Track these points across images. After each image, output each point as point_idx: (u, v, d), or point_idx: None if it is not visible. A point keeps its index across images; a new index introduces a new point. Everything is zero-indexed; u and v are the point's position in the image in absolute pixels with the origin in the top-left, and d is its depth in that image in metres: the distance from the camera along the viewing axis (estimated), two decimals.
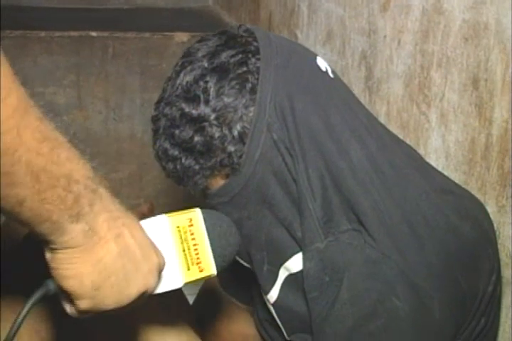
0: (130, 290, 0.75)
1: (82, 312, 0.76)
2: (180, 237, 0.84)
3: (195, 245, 0.85)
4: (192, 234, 0.85)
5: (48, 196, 0.65)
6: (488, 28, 0.98)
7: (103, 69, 2.26)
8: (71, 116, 2.28)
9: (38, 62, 2.21)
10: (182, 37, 2.27)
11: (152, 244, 0.79)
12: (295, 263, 0.96)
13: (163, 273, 0.82)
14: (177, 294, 1.25)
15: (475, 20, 1.01)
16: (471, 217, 0.97)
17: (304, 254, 0.93)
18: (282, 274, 0.99)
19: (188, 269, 0.85)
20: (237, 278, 1.22)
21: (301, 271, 0.95)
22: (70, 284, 0.72)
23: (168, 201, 2.35)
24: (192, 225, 0.86)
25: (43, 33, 2.22)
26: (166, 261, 0.81)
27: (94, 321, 0.84)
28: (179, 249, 0.84)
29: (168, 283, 0.84)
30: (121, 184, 2.33)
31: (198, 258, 0.85)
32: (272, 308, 1.03)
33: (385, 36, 1.30)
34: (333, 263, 0.90)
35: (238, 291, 1.31)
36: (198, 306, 1.36)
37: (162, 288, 0.84)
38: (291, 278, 0.98)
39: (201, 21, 2.64)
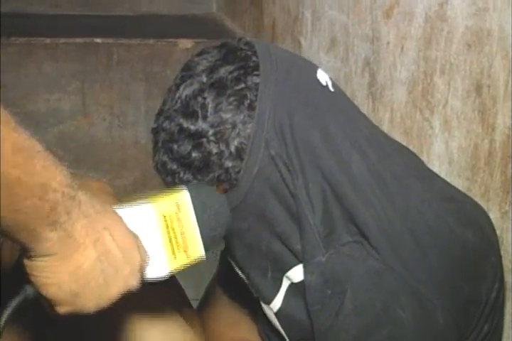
0: (111, 293, 0.76)
1: (63, 315, 0.76)
2: (167, 226, 0.83)
3: (182, 232, 0.85)
4: (179, 220, 0.84)
5: (23, 206, 0.65)
6: (491, 34, 0.98)
7: (107, 76, 2.27)
8: (76, 122, 2.28)
9: (43, 69, 2.22)
10: (186, 43, 2.28)
11: (135, 242, 0.78)
12: (296, 274, 0.96)
13: (150, 261, 0.81)
14: (182, 300, 1.25)
15: (478, 27, 1.01)
16: (474, 224, 0.97)
17: (305, 268, 0.93)
18: (285, 282, 0.99)
19: (175, 257, 0.84)
20: (240, 285, 1.22)
21: (302, 282, 0.95)
22: (49, 291, 0.72)
23: None
24: (179, 211, 0.85)
25: (48, 40, 2.23)
26: (151, 250, 0.81)
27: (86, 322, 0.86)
28: (165, 238, 0.83)
29: (154, 272, 0.83)
30: (126, 190, 2.33)
31: (185, 245, 0.85)
32: (274, 317, 1.03)
33: (388, 43, 1.30)
34: (335, 276, 0.90)
35: (241, 297, 1.31)
36: (201, 312, 1.36)
37: (147, 277, 0.83)
38: (294, 287, 0.98)
39: (205, 28, 2.65)
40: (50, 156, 0.70)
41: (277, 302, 1.00)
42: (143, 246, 0.80)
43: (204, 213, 0.87)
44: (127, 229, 0.79)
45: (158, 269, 0.83)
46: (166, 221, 0.83)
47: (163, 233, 0.83)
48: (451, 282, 0.91)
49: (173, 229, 0.84)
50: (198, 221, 0.86)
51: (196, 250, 0.86)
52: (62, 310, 0.74)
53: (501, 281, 0.98)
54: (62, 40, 2.24)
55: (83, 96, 2.27)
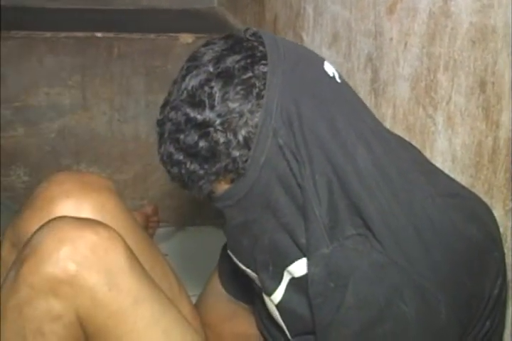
0: None
1: None
2: None
3: None
4: None
5: None
6: (495, 31, 0.98)
7: (108, 70, 2.27)
8: (76, 116, 2.28)
9: (43, 63, 2.21)
10: (187, 38, 2.27)
11: None
12: (298, 268, 0.96)
13: None
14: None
15: (482, 24, 1.01)
16: (478, 220, 0.97)
17: (309, 260, 0.93)
18: (286, 277, 0.99)
19: None
20: (239, 279, 1.22)
21: (304, 276, 0.94)
22: None
23: (173, 202, 2.35)
24: None
25: (48, 34, 2.22)
26: None
27: None
28: None
29: None
30: (126, 185, 2.33)
31: None
32: (275, 309, 1.03)
33: (391, 39, 1.30)
34: (338, 269, 0.90)
35: (240, 291, 1.32)
36: (200, 306, 1.36)
37: None
38: (295, 281, 0.98)
39: (206, 23, 2.64)
40: None
41: (278, 295, 1.00)
42: None
43: None
44: None
45: None
46: None
47: None
48: (454, 277, 0.91)
49: None
50: None
51: None
52: None
53: (504, 277, 0.98)
54: (63, 34, 2.23)
55: (83, 90, 2.26)
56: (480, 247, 0.95)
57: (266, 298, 1.04)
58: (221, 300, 1.35)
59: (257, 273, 1.02)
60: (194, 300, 1.36)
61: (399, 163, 0.96)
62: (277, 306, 1.01)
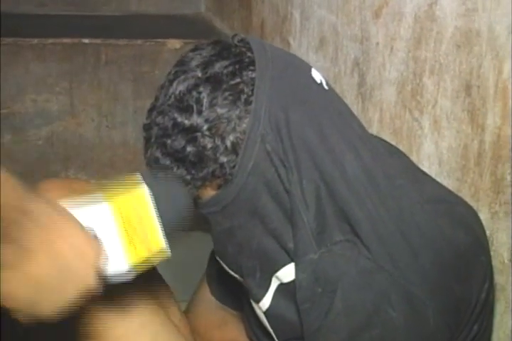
0: (67, 295, 0.77)
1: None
2: (125, 222, 0.83)
3: (141, 227, 0.85)
4: (138, 215, 0.85)
5: None
6: (480, 35, 0.98)
7: (95, 76, 2.26)
8: (64, 123, 2.27)
9: (30, 69, 2.21)
10: (174, 44, 2.27)
11: (88, 240, 0.79)
12: (286, 274, 0.96)
13: (109, 256, 0.82)
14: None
15: (467, 27, 1.01)
16: (465, 224, 0.97)
17: (296, 265, 0.92)
18: (274, 282, 0.98)
19: (135, 252, 0.84)
20: (228, 285, 1.21)
21: (292, 281, 0.94)
22: (7, 303, 0.74)
23: None
24: (138, 206, 0.85)
25: (35, 40, 2.22)
26: (109, 246, 0.82)
27: None
28: (123, 234, 0.83)
29: (114, 267, 0.83)
30: None
31: (145, 239, 0.85)
32: (263, 316, 1.02)
33: (377, 43, 1.30)
34: (326, 275, 0.90)
35: (229, 298, 1.31)
36: (189, 313, 1.35)
37: (108, 272, 0.83)
38: (283, 287, 0.98)
39: (194, 28, 2.65)
40: (2, 172, 0.71)
41: (266, 302, 0.99)
42: (98, 243, 0.81)
43: (163, 206, 0.86)
44: (82, 230, 0.79)
45: (117, 264, 0.83)
46: (123, 217, 0.83)
47: (121, 229, 0.83)
48: (442, 283, 0.91)
49: (131, 225, 0.84)
50: (158, 214, 0.86)
51: (157, 243, 0.86)
52: (22, 318, 0.76)
53: (491, 281, 0.98)
54: (50, 41, 2.23)
55: (71, 96, 2.26)
56: (467, 252, 0.95)
57: (254, 305, 1.03)
58: (210, 307, 1.34)
59: (243, 280, 1.01)
60: (183, 306, 1.35)
61: (387, 169, 0.96)
62: (265, 313, 1.01)
